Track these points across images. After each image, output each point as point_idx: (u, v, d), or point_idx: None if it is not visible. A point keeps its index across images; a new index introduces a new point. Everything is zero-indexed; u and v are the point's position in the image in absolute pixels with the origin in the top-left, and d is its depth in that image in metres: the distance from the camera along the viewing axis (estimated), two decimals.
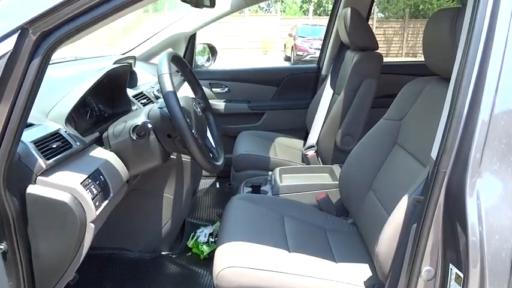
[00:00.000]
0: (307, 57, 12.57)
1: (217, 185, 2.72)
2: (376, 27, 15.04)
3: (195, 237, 1.88)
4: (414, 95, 1.36)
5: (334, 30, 2.51)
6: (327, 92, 2.24)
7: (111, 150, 1.22)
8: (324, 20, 15.10)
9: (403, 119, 1.39)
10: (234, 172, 2.15)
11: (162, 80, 1.15)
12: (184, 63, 1.40)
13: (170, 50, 1.31)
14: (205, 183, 2.75)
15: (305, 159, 2.13)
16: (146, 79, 1.99)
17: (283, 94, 2.69)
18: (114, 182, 1.14)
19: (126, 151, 1.22)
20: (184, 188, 1.74)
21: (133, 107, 1.51)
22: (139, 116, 1.24)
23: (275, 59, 14.40)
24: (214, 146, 1.41)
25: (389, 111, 1.46)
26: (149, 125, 1.19)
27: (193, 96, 1.55)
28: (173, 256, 1.81)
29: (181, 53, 2.62)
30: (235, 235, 1.33)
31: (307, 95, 2.67)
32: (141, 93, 1.66)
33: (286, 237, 1.40)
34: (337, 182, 1.67)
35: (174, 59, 1.34)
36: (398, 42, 15.67)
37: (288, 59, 13.98)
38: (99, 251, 1.76)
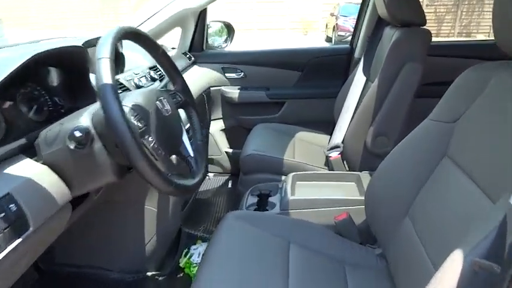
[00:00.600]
0: (349, 38, 11.87)
1: (230, 185, 2.39)
2: (427, 5, 13.93)
3: (188, 255, 1.56)
4: (475, 88, 0.93)
5: (370, 2, 2.06)
6: (359, 79, 1.82)
7: (43, 163, 0.90)
8: None
9: (458, 121, 0.97)
10: (242, 175, 1.80)
11: (98, 67, 0.81)
12: (151, 43, 1.05)
13: (123, 25, 0.96)
14: (215, 181, 2.43)
15: (328, 162, 1.74)
16: (141, 63, 1.66)
17: (308, 80, 2.28)
18: (38, 210, 0.82)
19: (63, 164, 0.90)
20: (170, 200, 1.42)
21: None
22: (80, 118, 0.90)
23: (316, 40, 13.75)
24: (191, 155, 1.06)
25: (438, 109, 1.04)
26: (77, 133, 0.85)
27: (171, 88, 1.21)
28: (160, 278, 1.50)
29: (190, 32, 2.27)
30: (219, 270, 1.01)
31: (337, 81, 2.25)
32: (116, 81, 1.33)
33: (289, 274, 1.05)
34: (364, 198, 1.29)
35: (133, 37, 0.99)
36: (451, 21, 14.44)
37: (329, 39, 13.30)
38: (75, 269, 1.48)
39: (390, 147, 1.58)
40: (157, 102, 0.95)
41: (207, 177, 2.51)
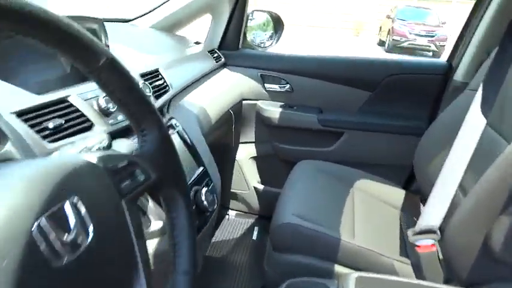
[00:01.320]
0: (405, 44, 11.04)
1: (254, 234, 1.77)
2: None
3: None
4: None
5: None
6: (472, 122, 1.14)
7: None
8: (432, 3, 13.08)
9: None
10: (271, 250, 1.18)
11: None
12: (68, 32, 0.40)
13: None
14: (236, 225, 1.83)
15: (411, 252, 1.09)
16: (132, 65, 1.06)
17: (380, 105, 1.62)
18: None
19: None
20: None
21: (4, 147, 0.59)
22: None
23: (367, 43, 12.86)
24: None
25: None
26: None
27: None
28: None
29: (223, 22, 1.66)
30: None
31: (423, 112, 1.57)
32: (60, 102, 0.73)
33: None
34: None
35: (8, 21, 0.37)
36: None
37: (382, 43, 12.41)
38: None
39: None
40: (39, 222, 0.33)
41: (227, 216, 1.91)
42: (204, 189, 0.91)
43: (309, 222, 1.12)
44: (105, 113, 0.78)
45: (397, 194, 1.43)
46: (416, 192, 1.48)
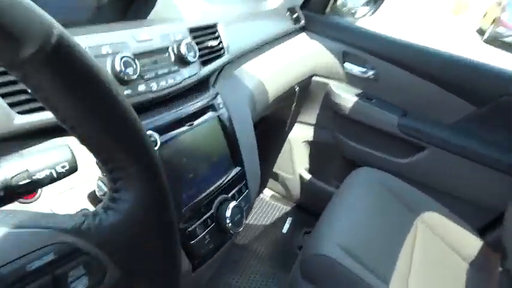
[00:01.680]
0: (509, 39, 9.70)
1: (286, 227, 1.57)
2: None
3: None
4: None
5: None
6: None
7: None
8: None
9: None
10: (299, 276, 0.95)
11: None
12: None
13: None
14: (269, 209, 1.63)
15: None
16: (186, 14, 0.80)
17: (483, 127, 1.26)
18: None
19: None
20: None
21: None
22: None
23: (464, 27, 11.55)
24: None
25: None
26: None
27: None
28: None
29: None
30: None
31: None
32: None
33: None
34: None
35: None
36: None
37: (481, 32, 11.07)
38: None
39: None
40: None
41: (261, 195, 1.71)
42: (233, 204, 0.69)
43: (354, 261, 0.88)
44: (120, 79, 0.56)
45: (471, 242, 1.14)
46: (495, 245, 1.18)
